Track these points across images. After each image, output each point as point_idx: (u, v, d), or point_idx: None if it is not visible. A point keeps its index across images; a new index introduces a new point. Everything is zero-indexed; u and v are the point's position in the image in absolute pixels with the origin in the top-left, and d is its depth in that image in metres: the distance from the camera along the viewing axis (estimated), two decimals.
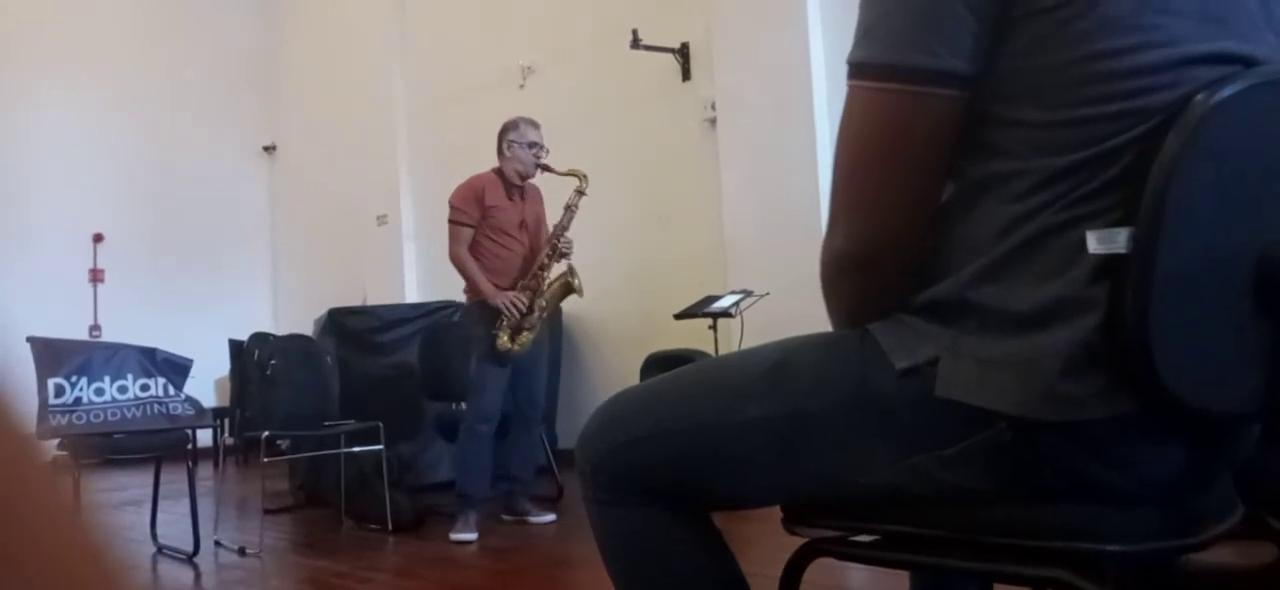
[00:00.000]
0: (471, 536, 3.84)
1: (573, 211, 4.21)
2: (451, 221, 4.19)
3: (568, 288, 4.20)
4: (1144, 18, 0.87)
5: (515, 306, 4.05)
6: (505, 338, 4.03)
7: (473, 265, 4.15)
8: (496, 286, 4.09)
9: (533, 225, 4.30)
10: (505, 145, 4.26)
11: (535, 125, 4.31)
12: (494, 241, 4.19)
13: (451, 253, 4.17)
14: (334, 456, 4.42)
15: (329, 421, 4.39)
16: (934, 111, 0.92)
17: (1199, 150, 0.85)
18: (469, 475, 4.01)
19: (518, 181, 4.26)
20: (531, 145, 4.24)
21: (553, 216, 4.33)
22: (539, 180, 4.34)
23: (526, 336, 4.07)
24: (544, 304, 4.15)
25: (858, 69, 0.95)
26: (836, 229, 0.99)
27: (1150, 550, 0.94)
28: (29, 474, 0.30)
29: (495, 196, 4.21)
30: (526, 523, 4.16)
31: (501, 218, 4.19)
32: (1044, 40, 0.88)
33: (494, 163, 4.25)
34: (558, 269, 4.22)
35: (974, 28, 0.89)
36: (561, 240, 4.18)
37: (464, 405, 4.26)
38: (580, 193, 4.20)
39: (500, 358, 4.04)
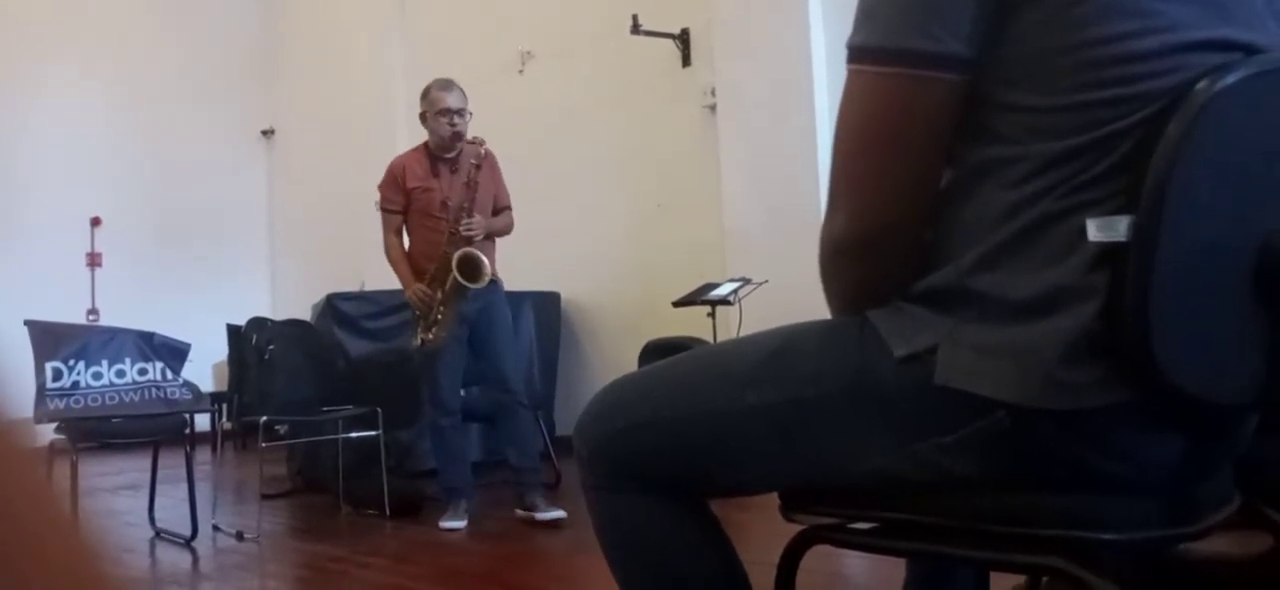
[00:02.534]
0: (460, 524, 3.79)
1: (473, 188, 3.72)
2: (380, 210, 3.93)
3: (457, 284, 3.66)
4: (1145, 3, 0.86)
5: (421, 300, 3.76)
6: (420, 331, 3.79)
7: (395, 255, 3.86)
8: (427, 272, 3.79)
9: (484, 200, 3.82)
10: (422, 115, 3.85)
11: (449, 87, 3.78)
12: (422, 225, 3.84)
13: (383, 243, 3.91)
14: (332, 442, 4.42)
15: (327, 407, 4.38)
16: (934, 95, 0.91)
17: (1200, 138, 0.84)
18: (445, 468, 3.94)
19: (444, 155, 3.84)
20: (443, 112, 3.75)
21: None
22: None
23: (437, 330, 3.73)
24: (440, 298, 3.73)
25: (857, 53, 0.94)
26: (836, 213, 0.99)
27: (1147, 539, 0.94)
28: (17, 466, 0.30)
29: (419, 175, 3.84)
30: (535, 520, 3.73)
31: (426, 199, 3.81)
32: (1044, 24, 0.88)
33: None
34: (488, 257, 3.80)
35: (974, 11, 0.89)
36: (461, 223, 3.70)
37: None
38: (477, 165, 3.72)
39: (431, 350, 3.77)
